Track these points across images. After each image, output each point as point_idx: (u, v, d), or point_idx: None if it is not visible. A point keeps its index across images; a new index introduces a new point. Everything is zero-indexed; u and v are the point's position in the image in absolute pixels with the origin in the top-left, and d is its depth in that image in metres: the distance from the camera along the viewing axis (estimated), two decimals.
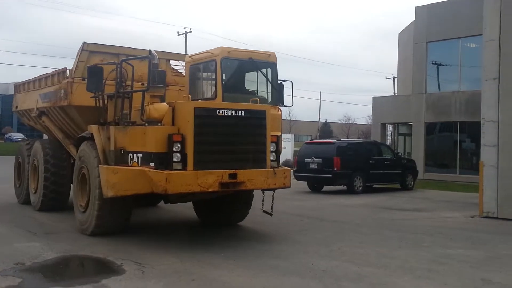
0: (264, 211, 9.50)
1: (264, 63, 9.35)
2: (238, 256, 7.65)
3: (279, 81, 9.73)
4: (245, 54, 9.22)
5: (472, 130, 22.82)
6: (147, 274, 6.55)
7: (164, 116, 8.24)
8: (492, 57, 12.16)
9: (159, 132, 7.99)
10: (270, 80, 9.44)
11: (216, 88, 8.82)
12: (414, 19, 26.92)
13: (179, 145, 7.89)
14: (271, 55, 9.58)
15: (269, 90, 9.60)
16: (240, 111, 8.39)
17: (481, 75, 13.00)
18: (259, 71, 9.45)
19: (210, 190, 7.98)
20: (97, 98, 9.48)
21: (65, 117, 11.67)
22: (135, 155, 8.23)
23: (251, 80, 9.75)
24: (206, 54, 9.32)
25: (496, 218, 11.88)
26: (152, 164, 7.92)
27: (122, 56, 10.93)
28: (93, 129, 9.22)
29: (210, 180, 7.93)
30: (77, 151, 10.24)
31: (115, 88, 9.12)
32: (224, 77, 9.14)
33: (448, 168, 24.98)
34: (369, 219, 12.00)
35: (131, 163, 8.28)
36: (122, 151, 8.43)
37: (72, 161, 12.13)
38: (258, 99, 8.90)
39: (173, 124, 8.25)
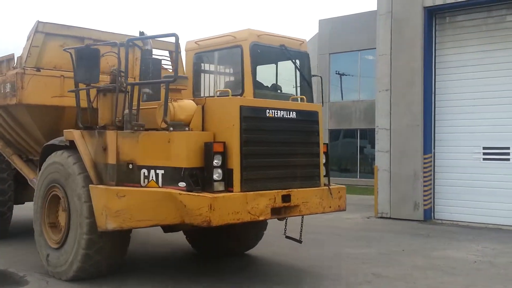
0: (289, 237, 7.49)
1: (296, 52, 7.35)
2: None
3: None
4: (276, 40, 7.17)
5: (371, 137, 24.34)
6: None
7: (192, 118, 6.01)
8: (384, 70, 13.42)
9: (191, 139, 5.74)
10: (303, 73, 7.47)
11: (242, 82, 6.68)
12: (317, 31, 28.21)
13: (220, 157, 5.71)
14: (303, 43, 7.60)
15: (299, 85, 7.61)
16: (291, 112, 6.37)
17: (375, 86, 14.19)
18: (291, 62, 7.45)
19: (261, 218, 5.87)
20: (76, 94, 7.02)
21: (9, 119, 8.89)
22: (152, 171, 5.89)
23: (272, 72, 7.72)
24: (225, 38, 7.13)
25: (389, 218, 13.07)
26: (182, 184, 5.65)
27: (89, 41, 8.48)
28: (75, 135, 6.71)
29: (262, 204, 5.83)
30: (39, 165, 7.62)
31: (112, 80, 6.71)
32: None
33: (350, 172, 26.35)
34: (272, 222, 11.03)
35: (146, 182, 5.94)
36: (131, 166, 6.05)
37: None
38: (304, 97, 6.91)
39: (202, 129, 6.06)
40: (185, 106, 6.00)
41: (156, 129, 6.04)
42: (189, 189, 5.61)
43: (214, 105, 6.03)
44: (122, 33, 9.09)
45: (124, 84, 6.31)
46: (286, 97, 6.96)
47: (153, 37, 6.07)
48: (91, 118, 6.88)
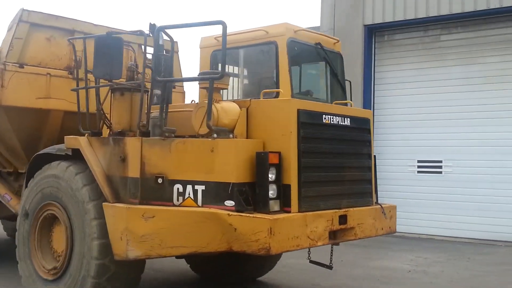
0: (314, 262, 6.49)
1: (330, 52, 6.52)
2: None
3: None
4: (313, 37, 6.31)
5: None
6: None
7: (236, 123, 5.02)
8: None
9: (241, 148, 4.74)
10: (338, 76, 6.62)
11: (277, 84, 5.75)
12: None
13: (274, 170, 4.73)
14: (338, 43, 6.78)
15: (330, 89, 6.74)
16: (346, 119, 5.49)
17: None
18: (325, 63, 6.59)
19: (319, 244, 4.92)
20: (78, 93, 5.90)
21: None
22: (189, 187, 4.82)
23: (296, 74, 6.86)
24: (254, 33, 6.18)
25: None
26: (229, 203, 4.63)
27: (79, 34, 7.40)
28: (81, 142, 5.55)
29: (320, 227, 4.89)
30: (25, 179, 6.38)
31: (129, 77, 5.61)
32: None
33: None
34: None
35: (180, 200, 4.86)
36: (161, 180, 4.94)
37: None
38: (351, 102, 6.04)
39: (246, 136, 5.08)
40: (228, 108, 5.00)
41: (194, 136, 5.00)
42: (239, 209, 4.60)
43: (263, 108, 5.06)
44: (117, 28, 7.99)
45: (148, 82, 5.24)
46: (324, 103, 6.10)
47: (197, 25, 5.03)
48: (107, 122, 5.74)
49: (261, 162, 4.69)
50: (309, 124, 4.99)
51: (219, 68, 5.05)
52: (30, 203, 6.00)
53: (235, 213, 4.53)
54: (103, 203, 5.18)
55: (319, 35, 6.51)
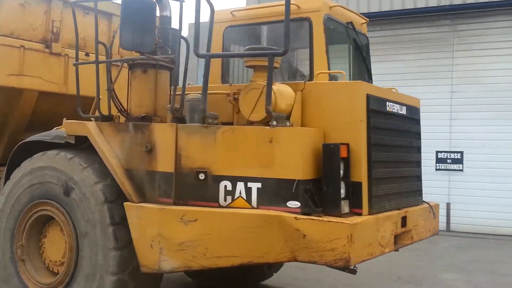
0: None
1: (360, 33, 5.88)
2: None
3: None
4: (346, 15, 5.63)
5: None
6: None
7: (292, 108, 4.23)
8: None
9: (307, 139, 3.97)
10: (366, 60, 5.98)
11: (311, 66, 5.02)
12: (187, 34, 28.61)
13: (343, 166, 4.00)
14: (364, 24, 6.15)
15: (358, 74, 6.08)
16: (403, 107, 4.85)
17: None
18: (354, 45, 5.91)
19: (387, 251, 4.25)
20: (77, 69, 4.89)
21: None
22: (240, 184, 3.98)
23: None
24: (281, 8, 5.42)
25: None
26: (293, 203, 3.85)
27: (58, 2, 6.48)
28: (90, 128, 4.55)
29: (388, 231, 4.22)
30: (5, 172, 5.29)
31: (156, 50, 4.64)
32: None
33: None
34: None
35: (229, 200, 4.01)
36: (203, 176, 4.06)
37: None
38: (396, 89, 5.39)
39: (301, 124, 4.31)
40: (284, 91, 4.20)
41: (229, 123, 4.16)
42: (306, 211, 3.84)
43: (322, 92, 4.29)
44: None
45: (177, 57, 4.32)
46: None
47: None
48: (108, 105, 4.76)
49: (330, 155, 3.94)
50: (377, 112, 4.30)
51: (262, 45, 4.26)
52: (13, 202, 4.91)
53: (304, 216, 3.77)
54: (125, 203, 4.24)
55: (351, 13, 5.84)
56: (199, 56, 4.14)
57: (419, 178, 5.19)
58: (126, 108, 4.77)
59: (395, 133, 4.62)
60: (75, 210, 4.45)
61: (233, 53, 4.28)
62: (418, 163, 5.18)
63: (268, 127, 3.97)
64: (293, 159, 3.89)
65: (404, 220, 4.54)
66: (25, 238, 4.84)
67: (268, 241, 3.85)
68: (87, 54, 7.02)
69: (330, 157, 3.94)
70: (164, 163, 4.21)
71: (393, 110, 4.61)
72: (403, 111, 4.82)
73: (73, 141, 4.66)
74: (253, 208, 3.95)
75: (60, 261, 4.68)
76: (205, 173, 4.07)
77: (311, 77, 4.85)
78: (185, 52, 4.25)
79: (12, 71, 6.29)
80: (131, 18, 4.02)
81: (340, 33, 5.62)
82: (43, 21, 6.58)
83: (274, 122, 3.97)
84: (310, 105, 4.31)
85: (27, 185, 4.82)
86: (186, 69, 4.30)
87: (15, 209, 4.89)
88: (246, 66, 4.38)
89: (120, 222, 4.27)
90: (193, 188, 4.11)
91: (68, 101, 6.87)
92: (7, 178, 5.14)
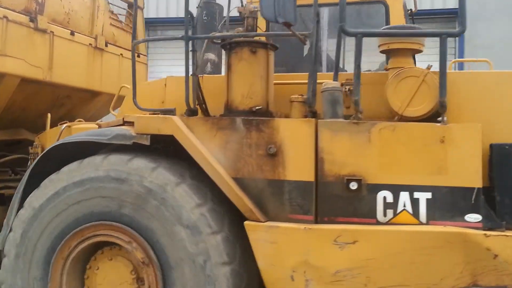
0: None
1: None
2: None
3: None
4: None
5: None
6: None
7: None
8: None
9: (480, 138, 3.29)
10: None
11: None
12: None
13: None
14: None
15: None
16: None
17: None
18: None
19: None
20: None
21: None
22: (404, 195, 3.19)
23: None
24: None
25: None
26: (473, 217, 3.17)
27: None
28: (178, 124, 3.43)
29: None
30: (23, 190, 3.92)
31: (248, 25, 3.61)
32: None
33: None
34: None
35: (390, 215, 3.19)
36: (355, 185, 3.19)
37: None
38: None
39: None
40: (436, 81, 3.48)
41: (400, 119, 3.36)
42: (489, 225, 3.19)
43: (476, 82, 3.64)
44: None
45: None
46: None
47: None
48: (194, 97, 3.66)
49: (507, 158, 3.33)
50: None
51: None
52: (44, 229, 3.57)
53: (495, 233, 3.11)
54: (247, 223, 3.22)
55: None
56: (348, 33, 3.27)
57: None
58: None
59: None
60: (161, 238, 3.31)
61: (393, 31, 3.45)
62: None
63: (438, 124, 3.24)
64: (471, 162, 3.21)
65: None
66: (66, 281, 3.54)
67: (447, 264, 3.13)
68: (72, 33, 5.69)
69: (506, 160, 3.32)
70: (298, 170, 3.27)
71: None
72: None
73: (147, 142, 3.49)
74: (421, 223, 3.20)
75: None
76: (358, 181, 3.21)
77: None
78: (314, 27, 3.32)
79: None
80: None
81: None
82: None
83: (445, 118, 3.25)
84: (455, 95, 3.63)
85: (72, 202, 3.53)
86: (315, 50, 3.38)
87: (50, 237, 3.56)
88: (381, 51, 3.59)
89: (235, 259, 3.24)
90: (342, 201, 3.23)
91: (47, 91, 5.54)
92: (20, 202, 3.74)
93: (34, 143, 5.01)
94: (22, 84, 5.24)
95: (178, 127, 3.41)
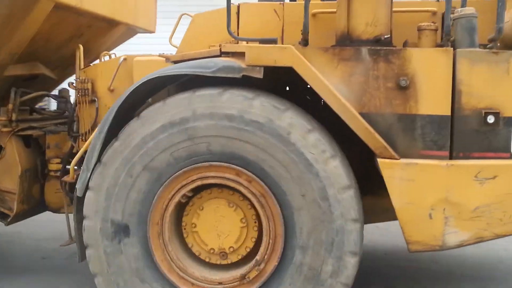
0: None
1: None
2: None
3: None
4: None
5: None
6: None
7: None
8: None
9: None
10: None
11: None
12: None
13: None
14: None
15: None
16: None
17: None
18: None
19: None
20: None
21: None
22: None
23: None
24: None
25: None
26: None
27: None
28: (296, 54, 3.10)
29: None
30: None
31: None
32: None
33: None
34: None
35: None
36: (492, 119, 3.04)
37: None
38: None
39: None
40: None
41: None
42: None
43: None
44: None
45: None
46: None
47: None
48: (305, 30, 3.31)
49: None
50: None
51: None
52: (149, 162, 3.23)
53: None
54: (381, 160, 3.04)
55: None
56: None
57: None
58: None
59: None
60: (283, 179, 3.07)
61: None
62: None
63: None
64: None
65: None
66: (168, 229, 3.27)
67: None
68: None
69: None
70: (433, 104, 3.08)
71: None
72: None
73: (260, 75, 3.16)
74: None
75: (232, 248, 3.28)
76: (495, 114, 3.08)
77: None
78: None
79: None
80: None
81: None
82: None
83: None
84: None
85: (180, 139, 3.17)
86: None
87: (149, 179, 3.23)
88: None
89: (359, 217, 3.09)
90: (478, 135, 3.10)
91: (71, 20, 5.00)
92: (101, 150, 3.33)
93: (80, 78, 4.48)
94: (52, 11, 4.63)
95: (299, 57, 3.10)
